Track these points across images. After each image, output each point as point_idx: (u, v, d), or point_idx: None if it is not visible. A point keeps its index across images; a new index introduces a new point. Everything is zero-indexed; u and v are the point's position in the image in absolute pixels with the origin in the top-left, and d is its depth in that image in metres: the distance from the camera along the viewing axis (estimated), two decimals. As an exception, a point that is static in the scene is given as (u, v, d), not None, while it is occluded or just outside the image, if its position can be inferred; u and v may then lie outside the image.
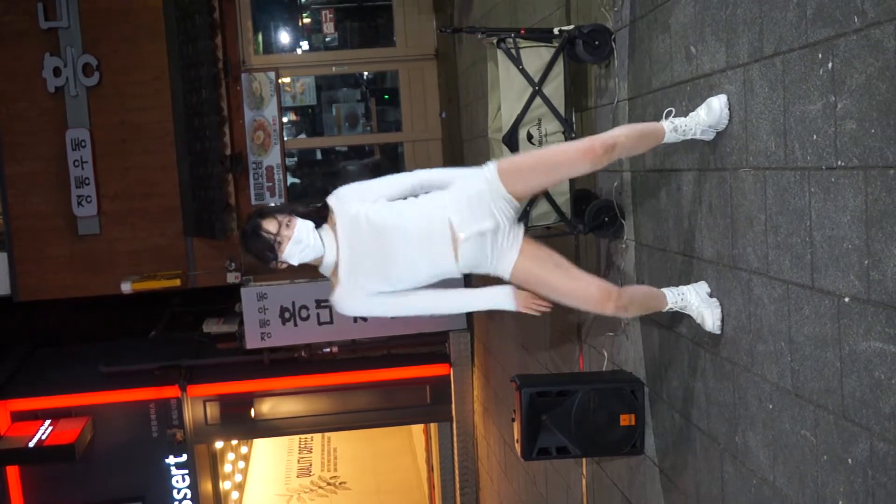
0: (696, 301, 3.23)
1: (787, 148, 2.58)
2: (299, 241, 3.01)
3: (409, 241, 3.05)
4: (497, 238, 3.11)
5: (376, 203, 3.10)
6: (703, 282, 3.28)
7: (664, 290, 3.33)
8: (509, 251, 3.13)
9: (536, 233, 4.40)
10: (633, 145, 3.20)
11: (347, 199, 3.11)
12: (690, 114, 3.14)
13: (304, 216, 3.08)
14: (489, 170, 3.13)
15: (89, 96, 8.79)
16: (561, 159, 3.15)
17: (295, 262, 3.06)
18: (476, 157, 7.27)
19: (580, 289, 3.16)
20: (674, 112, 3.23)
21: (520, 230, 3.18)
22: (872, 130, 2.17)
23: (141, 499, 8.75)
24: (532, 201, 4.09)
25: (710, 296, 3.22)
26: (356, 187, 3.16)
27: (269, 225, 3.02)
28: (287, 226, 3.01)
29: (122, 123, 8.86)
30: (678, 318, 3.48)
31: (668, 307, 3.31)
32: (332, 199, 3.14)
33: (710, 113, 3.01)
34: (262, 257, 3.06)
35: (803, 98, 2.47)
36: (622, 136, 3.10)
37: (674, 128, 3.14)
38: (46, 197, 8.85)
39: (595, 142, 3.07)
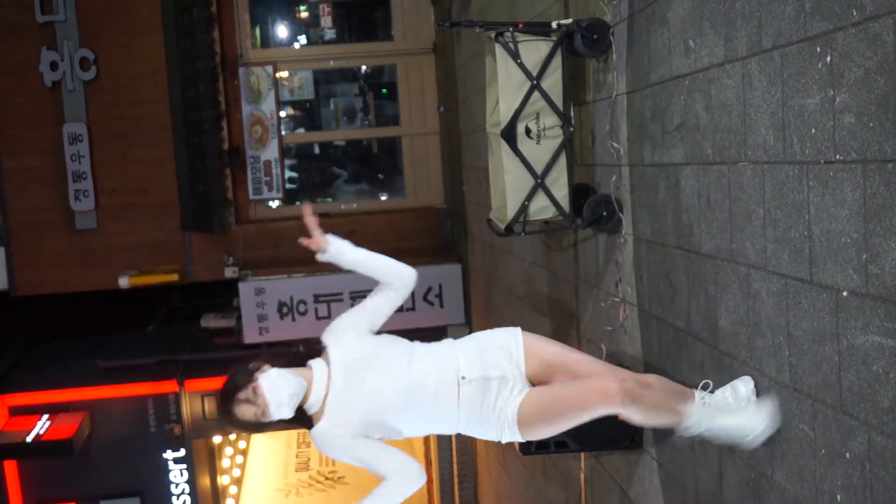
0: (737, 418, 2.85)
1: (786, 142, 2.58)
2: (279, 403, 2.88)
3: (411, 390, 3.08)
4: (504, 386, 3.10)
5: (379, 339, 3.15)
6: (746, 377, 2.90)
7: (690, 404, 3.03)
8: (515, 398, 3.10)
9: (535, 228, 4.40)
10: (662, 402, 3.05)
11: (339, 333, 3.13)
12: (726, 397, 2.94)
13: (284, 364, 2.99)
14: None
15: (86, 90, 8.75)
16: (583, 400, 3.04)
17: (289, 413, 2.94)
18: (474, 152, 7.27)
19: (595, 387, 3.03)
20: (711, 385, 3.08)
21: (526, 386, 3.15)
22: (871, 124, 2.16)
23: (139, 493, 8.75)
24: (530, 195, 4.08)
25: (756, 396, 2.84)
26: (346, 320, 3.15)
27: (244, 413, 2.90)
28: (255, 393, 2.88)
29: (120, 118, 8.83)
30: (676, 314, 3.48)
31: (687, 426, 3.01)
32: (327, 335, 3.13)
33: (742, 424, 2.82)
34: (256, 424, 2.97)
35: (802, 92, 2.47)
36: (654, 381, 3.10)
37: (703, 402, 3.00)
38: (44, 191, 8.82)
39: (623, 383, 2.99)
